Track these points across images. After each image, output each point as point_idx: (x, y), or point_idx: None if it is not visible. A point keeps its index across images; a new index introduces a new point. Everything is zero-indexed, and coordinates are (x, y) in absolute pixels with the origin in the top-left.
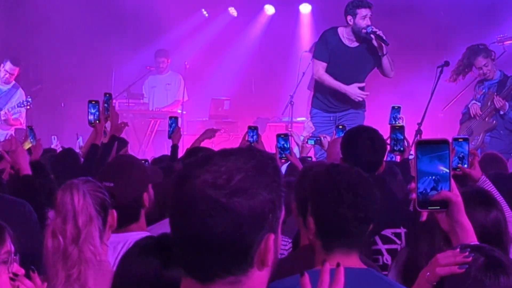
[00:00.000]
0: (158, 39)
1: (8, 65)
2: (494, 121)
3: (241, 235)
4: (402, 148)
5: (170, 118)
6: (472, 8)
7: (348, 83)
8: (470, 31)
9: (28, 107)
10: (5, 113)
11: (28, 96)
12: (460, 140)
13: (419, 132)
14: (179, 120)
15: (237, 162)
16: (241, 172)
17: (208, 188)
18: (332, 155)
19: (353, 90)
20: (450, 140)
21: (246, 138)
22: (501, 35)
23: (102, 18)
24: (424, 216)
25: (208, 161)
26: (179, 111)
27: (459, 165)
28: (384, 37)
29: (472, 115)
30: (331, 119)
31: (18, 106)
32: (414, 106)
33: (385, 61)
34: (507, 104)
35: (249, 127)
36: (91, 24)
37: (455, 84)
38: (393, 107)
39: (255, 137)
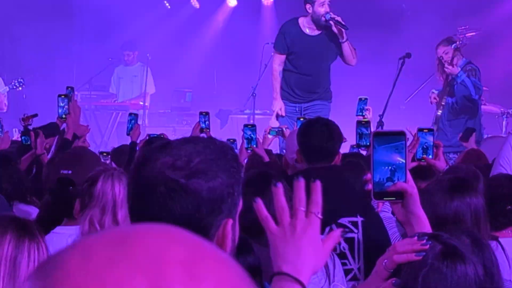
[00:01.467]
0: (121, 31)
1: None
2: (440, 112)
3: (199, 218)
4: (368, 143)
5: (130, 114)
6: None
7: (312, 72)
8: (435, 22)
9: (20, 88)
10: None
11: (20, 78)
12: (425, 131)
13: (380, 124)
14: (139, 116)
15: (196, 146)
16: (201, 155)
17: (167, 170)
18: (290, 147)
19: (274, 107)
20: (415, 131)
21: (198, 125)
22: (463, 27)
23: (62, 10)
24: (380, 206)
25: (168, 146)
26: (141, 103)
27: (424, 155)
28: (343, 23)
29: (430, 103)
30: (296, 109)
31: (11, 88)
32: (378, 98)
33: (345, 47)
34: (458, 68)
35: (201, 113)
36: (52, 16)
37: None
38: (360, 99)
39: (207, 122)
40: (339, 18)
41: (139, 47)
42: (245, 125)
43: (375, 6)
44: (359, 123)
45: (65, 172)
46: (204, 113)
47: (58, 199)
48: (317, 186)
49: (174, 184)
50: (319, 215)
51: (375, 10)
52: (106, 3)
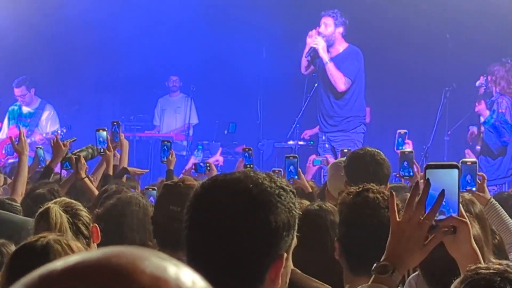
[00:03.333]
0: (165, 58)
1: (15, 91)
2: (478, 147)
3: (261, 250)
4: (411, 174)
5: (162, 142)
6: (478, 29)
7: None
8: (479, 53)
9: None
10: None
11: (63, 128)
12: (468, 163)
13: (426, 155)
14: (172, 144)
15: (264, 181)
16: (271, 189)
17: (237, 201)
18: (332, 178)
19: None
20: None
21: (242, 161)
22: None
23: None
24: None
25: (236, 180)
26: (186, 134)
27: (468, 188)
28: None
29: (467, 138)
30: (324, 139)
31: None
32: (421, 128)
33: (328, 71)
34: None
35: (244, 149)
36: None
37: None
38: (399, 133)
39: (250, 158)
40: (315, 47)
41: (183, 79)
42: (286, 157)
43: (418, 37)
44: (402, 153)
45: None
46: (247, 149)
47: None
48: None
49: (244, 214)
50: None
51: (419, 41)
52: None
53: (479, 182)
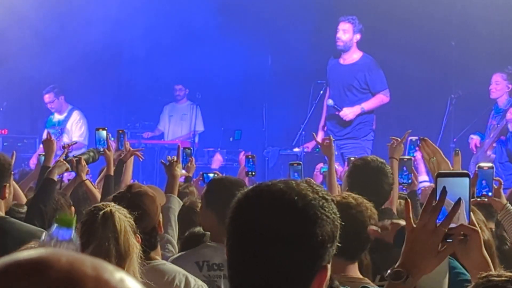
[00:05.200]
0: (172, 67)
1: (45, 98)
2: (493, 154)
3: (307, 262)
4: (409, 181)
5: (184, 149)
6: (483, 37)
7: None
8: (484, 60)
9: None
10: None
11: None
12: (485, 168)
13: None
14: (192, 152)
15: (308, 192)
16: (315, 200)
17: (283, 215)
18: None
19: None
20: (476, 169)
21: (246, 169)
22: None
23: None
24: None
25: (280, 191)
26: (191, 141)
27: (484, 193)
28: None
29: (471, 148)
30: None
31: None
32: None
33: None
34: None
35: (247, 156)
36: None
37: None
38: (410, 140)
39: (253, 166)
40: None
41: (189, 86)
42: (290, 164)
43: (424, 44)
44: (401, 160)
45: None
46: (250, 156)
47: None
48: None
49: (291, 227)
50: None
51: (424, 48)
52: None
53: (496, 187)
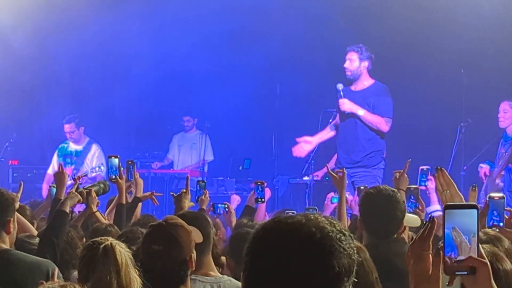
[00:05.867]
0: (180, 98)
1: (65, 127)
2: (501, 183)
3: None
4: (416, 210)
5: (198, 182)
6: (493, 65)
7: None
8: (494, 88)
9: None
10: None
11: (101, 163)
12: (496, 198)
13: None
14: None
15: (325, 225)
16: (333, 233)
17: (301, 246)
18: None
19: None
20: (486, 199)
21: (254, 194)
22: None
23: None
24: (452, 281)
25: (298, 223)
26: (200, 170)
27: (495, 223)
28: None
29: (480, 177)
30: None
31: (91, 171)
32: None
33: (365, 119)
34: None
35: (256, 183)
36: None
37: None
38: (421, 169)
39: (262, 193)
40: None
41: (198, 115)
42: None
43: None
44: (408, 189)
45: (156, 247)
46: (259, 183)
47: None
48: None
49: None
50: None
51: (433, 76)
52: (168, 75)
53: (507, 217)
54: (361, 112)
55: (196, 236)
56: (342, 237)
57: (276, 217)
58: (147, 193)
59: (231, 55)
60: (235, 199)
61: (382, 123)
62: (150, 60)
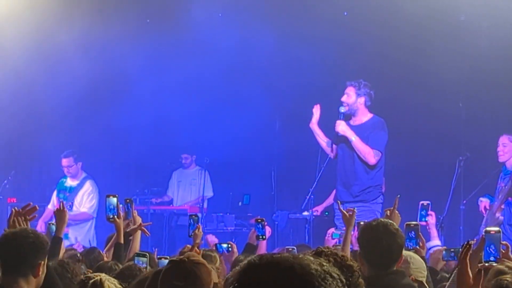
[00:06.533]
0: (179, 134)
1: (62, 161)
2: (501, 216)
3: None
4: (417, 246)
5: (191, 216)
6: (491, 100)
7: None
8: (492, 123)
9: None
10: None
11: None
12: (492, 232)
13: (441, 225)
14: (200, 218)
15: (311, 263)
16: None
17: (280, 278)
18: None
19: None
20: (483, 233)
21: (254, 232)
22: None
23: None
24: None
25: (283, 259)
26: (200, 206)
27: (491, 257)
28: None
29: (480, 211)
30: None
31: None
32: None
33: (355, 146)
34: None
35: (256, 220)
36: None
37: (475, 176)
38: (422, 204)
39: (263, 230)
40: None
41: (196, 151)
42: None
43: (432, 107)
44: (408, 226)
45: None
46: (259, 220)
47: None
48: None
49: None
50: None
51: (432, 110)
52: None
53: (503, 251)
54: (353, 138)
55: (215, 277)
56: (328, 278)
57: (264, 254)
58: (135, 226)
59: (229, 90)
60: (212, 240)
61: (370, 154)
62: (148, 96)
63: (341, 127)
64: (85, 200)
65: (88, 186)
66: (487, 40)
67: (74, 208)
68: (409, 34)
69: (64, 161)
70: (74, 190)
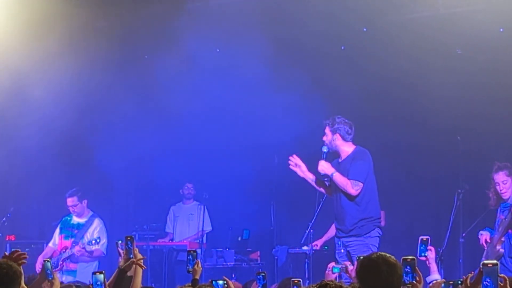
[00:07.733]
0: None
1: (67, 201)
2: (502, 249)
3: None
4: (413, 281)
5: (189, 252)
6: (489, 132)
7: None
8: (490, 155)
9: (96, 246)
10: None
11: (98, 237)
12: (489, 265)
13: (441, 258)
14: (198, 254)
15: None
16: None
17: None
18: None
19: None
20: (480, 266)
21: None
22: None
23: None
24: None
25: None
26: (199, 241)
27: None
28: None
29: (481, 244)
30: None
31: (88, 244)
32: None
33: (335, 180)
34: None
35: (257, 273)
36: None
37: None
38: (421, 240)
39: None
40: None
41: (196, 186)
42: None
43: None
44: (404, 260)
45: None
46: (261, 273)
47: None
48: None
49: None
50: None
51: (430, 143)
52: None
53: (501, 284)
54: (333, 173)
55: None
56: None
57: None
58: (129, 262)
59: (226, 127)
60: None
61: (348, 185)
62: (147, 129)
63: (320, 166)
64: (96, 237)
65: (97, 223)
66: (484, 73)
67: (83, 243)
68: (405, 69)
69: (69, 201)
70: (83, 227)
